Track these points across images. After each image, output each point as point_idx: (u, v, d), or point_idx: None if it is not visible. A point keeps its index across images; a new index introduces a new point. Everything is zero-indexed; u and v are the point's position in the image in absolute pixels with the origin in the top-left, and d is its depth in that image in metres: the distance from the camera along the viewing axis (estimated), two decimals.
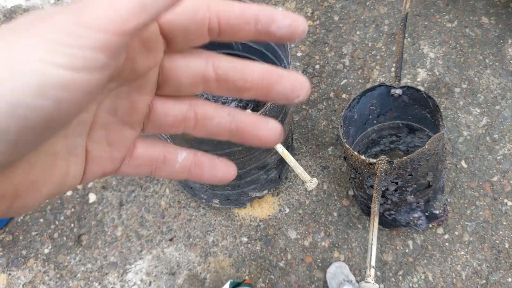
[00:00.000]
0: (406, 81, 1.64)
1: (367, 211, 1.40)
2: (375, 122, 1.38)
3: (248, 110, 1.08)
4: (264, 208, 1.48)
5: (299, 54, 1.76)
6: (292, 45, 1.77)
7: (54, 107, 0.17)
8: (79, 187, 1.57)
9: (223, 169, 0.26)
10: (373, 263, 0.94)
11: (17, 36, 0.17)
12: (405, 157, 1.06)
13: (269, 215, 1.47)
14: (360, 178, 1.21)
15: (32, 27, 0.17)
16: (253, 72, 0.24)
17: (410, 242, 1.39)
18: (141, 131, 0.26)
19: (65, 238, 1.49)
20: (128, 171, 0.26)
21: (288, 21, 0.24)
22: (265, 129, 0.25)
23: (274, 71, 0.24)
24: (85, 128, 0.22)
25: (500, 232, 1.38)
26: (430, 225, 1.38)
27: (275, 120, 0.26)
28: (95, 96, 0.19)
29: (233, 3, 0.23)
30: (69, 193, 1.56)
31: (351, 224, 1.43)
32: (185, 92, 0.25)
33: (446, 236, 1.38)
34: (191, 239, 1.45)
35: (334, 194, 1.48)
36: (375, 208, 1.01)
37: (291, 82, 0.24)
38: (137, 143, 0.25)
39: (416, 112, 1.31)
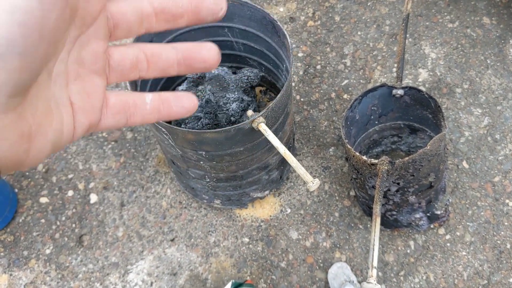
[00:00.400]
0: (407, 81, 1.64)
1: (368, 212, 1.40)
2: (376, 122, 1.38)
3: (250, 111, 1.08)
4: (265, 208, 1.48)
5: (300, 54, 1.76)
6: (294, 46, 1.77)
7: (40, 8, 0.20)
8: (80, 187, 1.57)
9: (187, 100, 0.30)
10: (375, 263, 0.94)
11: None
12: (407, 158, 1.06)
13: (270, 216, 1.47)
14: (362, 178, 1.21)
15: None
16: None
17: (411, 243, 1.39)
18: (107, 83, 0.29)
19: (66, 239, 1.49)
20: (108, 123, 0.29)
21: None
22: (205, 50, 0.29)
23: None
24: (63, 79, 0.26)
25: (502, 233, 1.38)
26: (432, 226, 1.38)
27: (211, 43, 0.30)
28: (64, 3, 0.22)
29: None
30: (70, 193, 1.56)
31: (352, 225, 1.43)
32: (134, 32, 0.28)
33: (448, 237, 1.38)
34: (192, 240, 1.45)
35: (336, 194, 1.48)
36: (377, 209, 1.01)
37: None
38: (109, 95, 0.29)
39: (418, 113, 1.31)
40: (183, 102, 0.30)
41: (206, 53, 0.29)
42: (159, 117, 0.30)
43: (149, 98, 0.30)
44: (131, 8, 0.28)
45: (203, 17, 0.29)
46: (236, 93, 1.32)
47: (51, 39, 0.22)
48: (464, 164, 1.48)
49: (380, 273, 1.35)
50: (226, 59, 1.44)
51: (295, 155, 1.53)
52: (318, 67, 1.72)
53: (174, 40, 1.26)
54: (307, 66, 1.73)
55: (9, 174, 1.61)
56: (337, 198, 1.48)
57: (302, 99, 1.66)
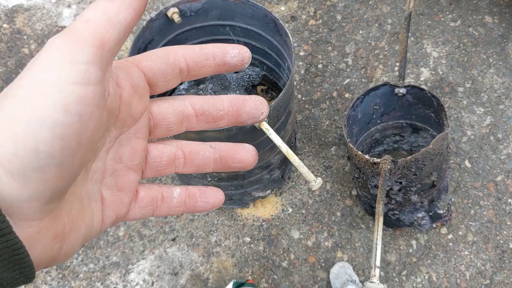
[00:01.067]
0: (409, 80, 1.64)
1: (370, 211, 1.40)
2: (378, 121, 1.37)
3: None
4: (267, 208, 1.48)
5: (302, 53, 1.75)
6: (295, 44, 1.77)
7: (78, 120, 0.20)
8: None
9: (213, 196, 0.31)
10: (378, 263, 0.93)
11: (35, 66, 0.21)
12: (409, 157, 1.06)
13: (272, 215, 1.46)
14: (364, 177, 1.20)
15: (38, 57, 0.21)
16: (222, 102, 0.29)
17: (413, 242, 1.38)
18: (141, 177, 0.29)
19: None
20: (135, 215, 0.29)
21: (237, 50, 0.28)
22: (242, 151, 0.30)
23: (239, 97, 0.30)
24: (99, 175, 0.26)
25: (504, 232, 1.37)
26: (434, 225, 1.37)
27: (249, 144, 0.30)
28: (102, 111, 0.22)
29: (193, 46, 0.28)
30: None
31: (354, 224, 1.43)
32: (174, 131, 0.29)
33: (450, 236, 1.38)
34: (193, 239, 1.45)
35: (337, 194, 1.48)
36: (379, 208, 1.00)
37: (254, 102, 0.29)
38: (139, 188, 0.29)
39: (420, 112, 1.30)
40: (208, 198, 0.30)
41: (244, 154, 0.30)
42: (184, 210, 0.31)
43: (177, 192, 0.30)
44: (173, 109, 0.28)
45: (243, 120, 0.30)
46: (237, 92, 1.31)
47: (89, 146, 0.22)
48: (467, 163, 1.48)
49: (382, 273, 1.35)
50: None
51: (296, 154, 1.53)
52: (320, 66, 1.72)
53: (175, 38, 1.25)
54: (308, 65, 1.72)
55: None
56: (338, 197, 1.47)
57: (303, 98, 1.65)
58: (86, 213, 0.25)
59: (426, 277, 1.33)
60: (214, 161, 0.30)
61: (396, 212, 1.28)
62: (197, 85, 1.36)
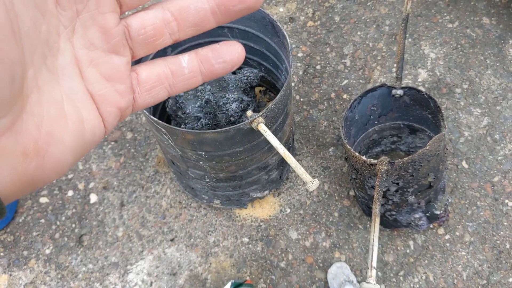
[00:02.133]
0: (407, 81, 1.65)
1: (368, 212, 1.40)
2: (376, 122, 1.38)
3: (249, 112, 1.08)
4: (265, 208, 1.48)
5: (300, 54, 1.76)
6: (293, 46, 1.78)
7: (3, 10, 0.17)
8: (80, 187, 1.57)
9: (229, 52, 0.26)
10: (374, 263, 0.94)
11: None
12: (406, 158, 1.06)
13: (270, 216, 1.47)
14: (361, 178, 1.21)
15: None
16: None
17: (411, 243, 1.39)
18: (133, 57, 0.25)
19: (66, 239, 1.49)
20: (145, 100, 0.25)
21: None
22: None
23: None
24: (73, 70, 0.22)
25: (501, 233, 1.38)
26: (431, 226, 1.38)
27: None
28: None
29: None
30: (70, 193, 1.56)
31: (352, 225, 1.43)
32: None
33: (447, 237, 1.39)
34: (192, 240, 1.45)
35: (335, 194, 1.48)
36: (376, 209, 1.01)
37: None
38: (139, 69, 0.25)
39: (417, 113, 1.31)
40: (224, 56, 0.25)
41: None
42: (203, 78, 0.26)
43: (185, 60, 0.26)
44: None
45: (237, 10, 0.24)
46: (235, 93, 1.32)
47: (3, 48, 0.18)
48: (464, 164, 1.48)
49: (379, 273, 1.36)
50: None
51: (294, 155, 1.54)
52: (318, 67, 1.72)
53: None
54: (306, 66, 1.73)
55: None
56: (336, 198, 1.48)
57: (301, 99, 1.66)
58: (67, 117, 0.22)
59: (423, 278, 1.34)
60: (212, 11, 0.24)
61: (394, 212, 1.29)
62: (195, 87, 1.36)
